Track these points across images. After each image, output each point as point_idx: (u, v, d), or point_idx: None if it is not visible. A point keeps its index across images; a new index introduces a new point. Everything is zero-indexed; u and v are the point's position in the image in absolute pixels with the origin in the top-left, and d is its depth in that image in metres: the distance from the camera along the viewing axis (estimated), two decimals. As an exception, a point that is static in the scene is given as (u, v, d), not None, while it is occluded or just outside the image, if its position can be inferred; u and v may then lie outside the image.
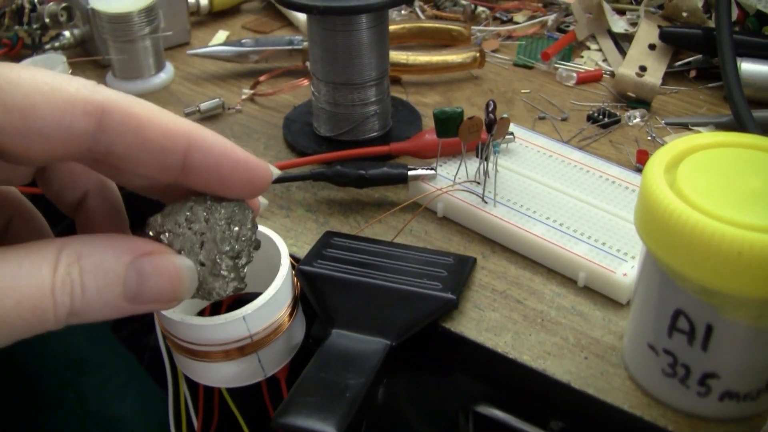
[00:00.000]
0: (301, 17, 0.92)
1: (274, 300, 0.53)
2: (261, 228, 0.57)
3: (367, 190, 0.66)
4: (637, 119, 0.76)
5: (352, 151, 0.67)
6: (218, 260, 0.39)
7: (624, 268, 0.56)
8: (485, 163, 0.61)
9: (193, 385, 0.94)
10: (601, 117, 0.76)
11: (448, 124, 0.61)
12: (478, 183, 0.62)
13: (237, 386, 0.57)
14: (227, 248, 0.39)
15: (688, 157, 0.46)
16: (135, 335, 1.30)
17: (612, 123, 0.75)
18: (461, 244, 0.61)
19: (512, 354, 0.53)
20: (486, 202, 0.61)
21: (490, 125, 0.59)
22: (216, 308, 0.62)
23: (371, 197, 0.65)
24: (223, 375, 0.56)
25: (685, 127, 0.75)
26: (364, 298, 0.55)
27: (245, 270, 0.41)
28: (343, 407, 0.49)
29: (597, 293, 0.57)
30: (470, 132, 0.60)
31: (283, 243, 0.56)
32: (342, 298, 0.55)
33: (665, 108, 0.78)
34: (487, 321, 0.55)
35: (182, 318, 0.53)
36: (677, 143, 0.47)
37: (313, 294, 0.56)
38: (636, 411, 0.49)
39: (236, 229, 0.40)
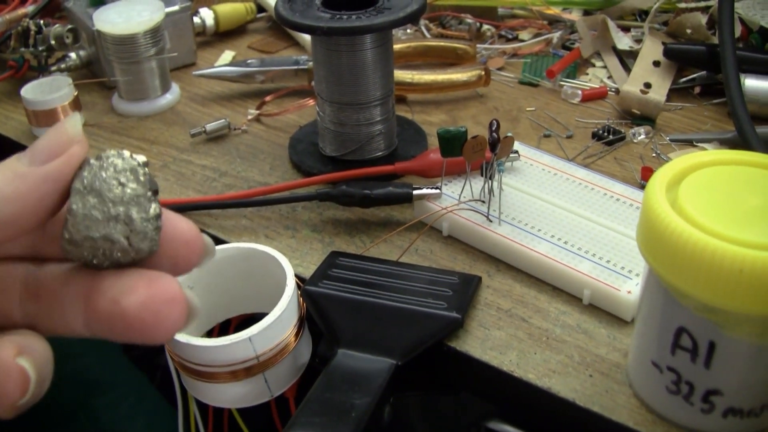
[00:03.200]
0: (307, 37, 0.93)
1: (279, 320, 0.54)
2: (267, 249, 0.57)
3: (373, 210, 0.66)
4: (642, 136, 0.76)
5: (358, 170, 0.67)
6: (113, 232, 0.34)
7: (628, 286, 0.56)
8: (490, 181, 0.62)
9: (203, 404, 0.94)
10: (606, 134, 0.76)
11: (452, 143, 0.61)
12: (483, 202, 0.62)
13: (244, 407, 0.57)
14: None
15: (689, 175, 0.46)
16: (146, 355, 1.30)
17: (617, 140, 0.76)
18: (466, 262, 0.61)
19: (517, 372, 0.53)
20: (491, 221, 0.62)
21: (494, 144, 0.59)
22: (223, 329, 0.63)
23: (377, 217, 0.65)
24: (230, 396, 0.56)
25: (689, 143, 0.76)
26: (370, 318, 0.55)
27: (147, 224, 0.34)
28: (349, 427, 0.49)
29: (602, 311, 0.57)
30: (474, 151, 0.61)
31: (288, 263, 0.57)
32: (347, 318, 0.56)
33: (670, 125, 0.78)
34: (492, 339, 0.55)
35: (188, 339, 0.53)
36: (679, 161, 0.47)
37: (319, 314, 0.56)
38: (641, 428, 0.49)
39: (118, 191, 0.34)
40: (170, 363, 0.89)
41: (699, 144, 0.75)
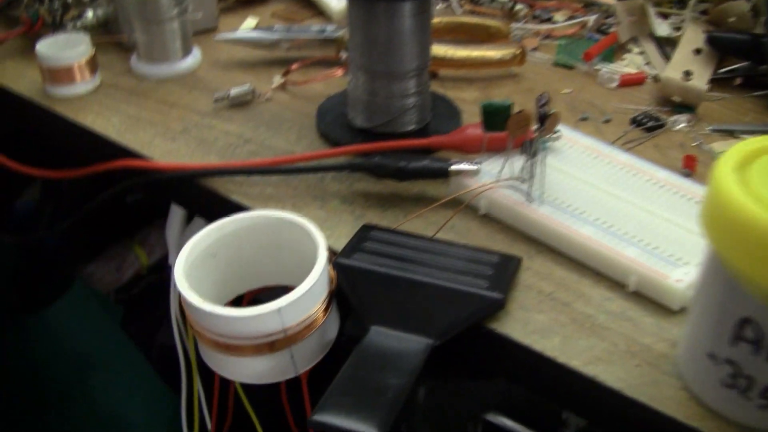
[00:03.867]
0: (335, 6, 0.89)
1: (310, 293, 0.51)
2: (295, 217, 0.54)
3: (406, 184, 0.63)
4: (683, 124, 0.73)
5: (390, 142, 0.64)
6: None
7: (677, 274, 0.53)
8: (532, 159, 0.58)
9: (207, 383, 0.91)
10: (645, 121, 0.73)
11: (496, 117, 0.58)
12: (523, 180, 0.59)
13: (267, 383, 0.54)
14: None
15: (761, 158, 0.43)
16: (143, 331, 1.27)
17: (656, 127, 0.73)
18: (504, 243, 0.58)
19: (561, 358, 0.50)
20: (532, 201, 0.59)
21: (543, 119, 0.56)
22: (248, 301, 0.59)
23: (409, 192, 0.62)
24: (253, 370, 0.53)
25: (731, 134, 0.73)
26: (405, 295, 0.52)
27: None
28: (385, 408, 0.46)
29: (648, 299, 0.54)
30: (519, 126, 0.58)
31: (320, 234, 0.53)
32: (381, 294, 0.52)
33: (710, 115, 0.75)
34: (534, 323, 0.52)
35: (213, 309, 0.50)
36: (747, 143, 0.44)
37: (351, 289, 0.53)
38: (691, 422, 0.46)
39: None
40: (176, 336, 0.86)
41: (742, 135, 0.72)
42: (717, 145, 0.70)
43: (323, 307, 0.53)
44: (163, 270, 1.37)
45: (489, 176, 0.61)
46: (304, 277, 0.51)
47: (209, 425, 0.91)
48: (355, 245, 0.55)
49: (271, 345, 0.51)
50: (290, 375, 0.54)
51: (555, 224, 0.57)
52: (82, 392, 1.09)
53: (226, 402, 0.87)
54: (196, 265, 0.54)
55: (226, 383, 0.83)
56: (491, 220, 0.60)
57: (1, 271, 1.18)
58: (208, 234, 0.55)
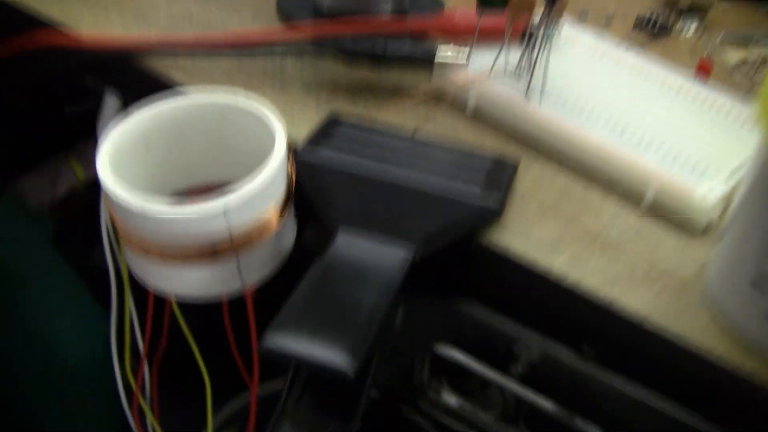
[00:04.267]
0: None
1: (263, 190, 0.41)
2: (246, 100, 0.44)
3: (380, 72, 0.53)
4: (692, 31, 0.64)
5: (363, 24, 0.54)
6: None
7: (703, 188, 0.44)
8: (534, 49, 0.49)
9: (140, 300, 0.81)
10: (650, 24, 0.63)
11: (496, -7, 0.48)
12: (522, 74, 0.50)
13: (207, 298, 0.44)
14: None
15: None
16: (77, 251, 1.17)
17: (663, 32, 0.63)
18: (496, 146, 0.49)
19: (570, 278, 0.41)
20: (530, 98, 0.49)
21: (552, 0, 0.46)
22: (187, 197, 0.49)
23: (385, 81, 0.52)
24: (191, 283, 0.43)
25: (745, 42, 0.64)
26: (382, 200, 0.43)
27: None
28: (357, 331, 0.36)
29: (667, 216, 0.45)
30: (521, 7, 0.48)
31: (277, 121, 0.43)
32: (352, 197, 0.43)
33: (721, 21, 0.66)
34: (536, 238, 0.43)
35: (143, 207, 0.40)
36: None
37: (315, 190, 0.43)
38: (727, 359, 0.38)
39: None
40: (105, 244, 0.76)
41: (756, 44, 0.63)
42: (731, 54, 0.62)
43: (278, 209, 0.43)
44: (98, 188, 1.26)
45: (481, 68, 0.51)
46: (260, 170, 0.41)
47: (141, 349, 0.82)
48: (321, 138, 0.46)
49: (213, 252, 0.42)
50: (235, 288, 0.44)
51: (558, 124, 0.48)
52: (9, 310, 1.00)
53: (161, 323, 0.77)
54: (125, 158, 0.44)
55: (161, 301, 0.74)
56: (481, 118, 0.50)
57: None
58: (141, 120, 0.45)
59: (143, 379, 0.78)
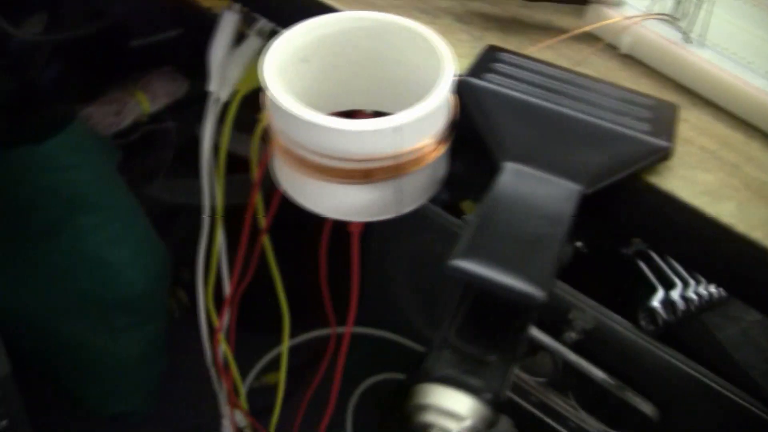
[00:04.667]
0: None
1: (432, 115, 0.40)
2: (413, 24, 0.43)
3: (528, 10, 0.52)
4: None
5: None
6: None
7: None
8: (695, -8, 0.48)
9: (232, 232, 0.81)
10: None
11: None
12: (681, 17, 0.48)
13: (362, 220, 0.43)
14: None
15: None
16: (136, 181, 1.17)
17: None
18: (651, 90, 0.48)
19: (740, 227, 0.40)
20: (690, 41, 0.48)
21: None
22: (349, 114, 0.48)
23: (533, 18, 0.51)
24: (349, 203, 0.42)
25: None
26: (550, 130, 0.42)
27: None
28: (543, 261, 0.35)
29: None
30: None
31: (444, 45, 0.42)
32: (520, 126, 0.42)
33: None
34: (702, 184, 0.42)
35: (316, 118, 0.39)
36: None
37: (483, 116, 0.42)
38: None
39: None
40: (206, 177, 0.75)
41: None
42: None
43: (441, 136, 0.43)
44: (163, 120, 1.27)
45: (636, 8, 0.50)
46: (410, 103, 0.40)
47: (226, 285, 0.82)
48: (482, 69, 0.45)
49: (378, 171, 0.41)
50: (391, 214, 0.44)
51: (718, 72, 0.47)
52: (71, 231, 1.01)
53: (248, 260, 0.77)
54: (284, 69, 0.43)
55: (254, 236, 0.73)
56: (635, 61, 0.49)
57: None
58: (304, 32, 0.44)
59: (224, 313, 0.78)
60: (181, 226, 1.31)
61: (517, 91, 0.42)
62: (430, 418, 0.36)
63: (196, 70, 1.36)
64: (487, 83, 0.43)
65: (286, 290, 0.81)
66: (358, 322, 0.66)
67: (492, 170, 0.42)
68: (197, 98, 1.33)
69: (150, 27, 1.31)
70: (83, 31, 1.10)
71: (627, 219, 0.44)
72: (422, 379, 0.37)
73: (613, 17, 0.49)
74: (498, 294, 0.35)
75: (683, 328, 0.95)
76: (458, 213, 1.09)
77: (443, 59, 0.42)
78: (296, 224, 0.75)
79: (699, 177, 0.43)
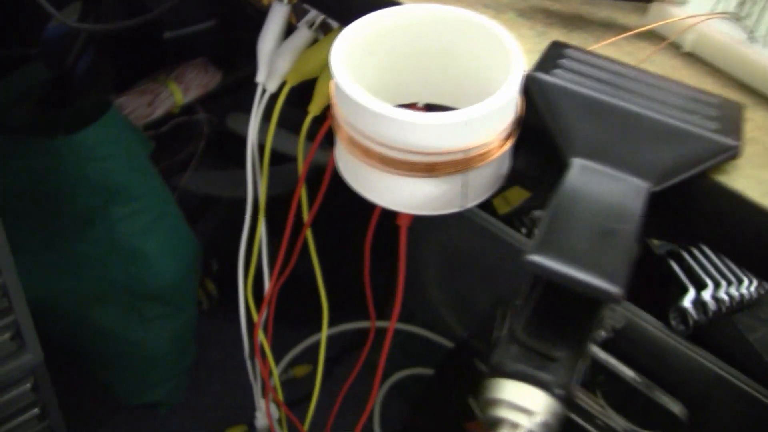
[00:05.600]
0: None
1: (502, 109, 0.40)
2: (482, 19, 0.43)
3: (591, 7, 0.52)
4: None
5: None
6: None
7: None
8: (759, -9, 0.47)
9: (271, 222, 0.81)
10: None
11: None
12: (741, 18, 0.48)
13: (429, 214, 0.43)
14: None
15: None
16: (166, 172, 1.17)
17: None
18: (714, 88, 0.48)
19: (809, 229, 0.40)
20: (755, 40, 0.48)
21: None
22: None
23: (595, 16, 0.51)
24: (414, 196, 0.42)
25: None
26: (618, 127, 0.42)
27: None
28: (619, 258, 0.35)
29: None
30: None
31: (513, 40, 0.42)
32: (589, 122, 0.42)
33: None
34: (768, 183, 0.42)
35: (387, 110, 0.39)
36: None
37: (551, 111, 0.42)
38: None
39: None
40: (249, 168, 0.75)
41: None
42: None
43: (508, 132, 0.43)
44: (195, 111, 1.27)
45: (700, 7, 0.49)
46: (472, 97, 0.40)
47: (266, 277, 0.82)
48: (549, 65, 0.44)
49: (445, 165, 0.41)
50: (455, 208, 0.44)
51: (783, 72, 0.46)
52: (105, 221, 1.01)
53: (290, 252, 0.77)
54: (350, 61, 0.43)
55: (296, 230, 0.73)
56: (698, 59, 0.49)
57: (30, 93, 1.09)
58: (370, 24, 0.44)
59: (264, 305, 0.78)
60: (210, 218, 1.32)
61: (585, 87, 0.42)
62: (501, 412, 0.36)
63: (229, 62, 1.36)
64: (556, 79, 0.42)
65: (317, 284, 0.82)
66: (388, 317, 0.66)
67: (558, 167, 0.42)
68: (229, 90, 1.34)
69: (184, 18, 1.31)
70: (118, 22, 1.10)
71: (693, 218, 0.44)
72: (493, 374, 0.37)
73: (676, 16, 0.49)
74: (574, 290, 0.35)
75: (714, 329, 0.94)
76: (485, 207, 1.09)
77: (512, 54, 0.42)
78: (326, 219, 0.75)
79: (766, 176, 0.42)
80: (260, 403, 0.88)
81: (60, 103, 1.14)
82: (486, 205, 1.12)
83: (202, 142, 1.29)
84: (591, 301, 0.38)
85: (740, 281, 0.96)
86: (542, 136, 0.43)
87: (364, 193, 0.44)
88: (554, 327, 0.39)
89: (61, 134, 0.98)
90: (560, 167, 0.42)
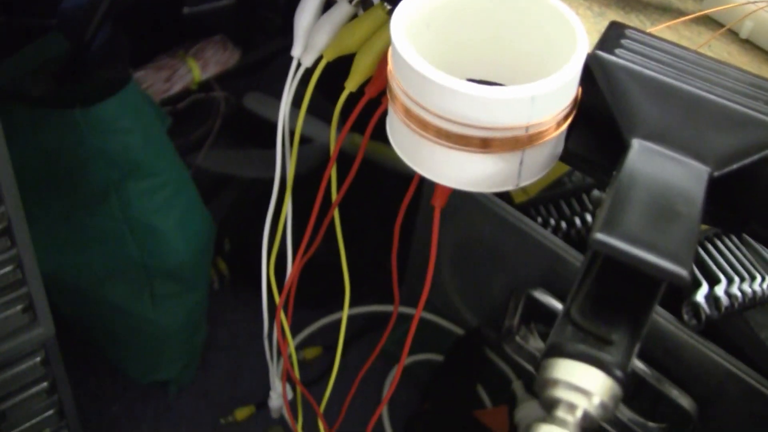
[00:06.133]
0: None
1: (566, 87, 0.39)
2: (550, -1, 0.42)
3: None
4: None
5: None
6: None
7: None
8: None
9: (301, 203, 0.80)
10: None
11: None
12: (800, 5, 0.47)
13: (483, 191, 0.42)
14: None
15: None
16: (181, 149, 1.17)
17: None
18: (771, 76, 0.47)
19: None
20: (813, 30, 0.47)
21: None
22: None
23: (653, 1, 0.50)
24: (470, 172, 0.42)
25: None
26: (682, 109, 0.41)
27: None
28: (685, 240, 0.35)
29: None
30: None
31: (577, 18, 0.41)
32: (651, 103, 0.41)
33: None
34: (830, 172, 0.41)
35: (450, 82, 0.38)
36: None
37: (613, 91, 0.41)
38: None
39: None
40: (279, 146, 0.74)
41: None
42: None
43: (567, 111, 0.42)
44: (212, 89, 1.26)
45: (759, -6, 0.49)
46: (530, 77, 0.40)
47: (290, 258, 0.81)
48: (609, 45, 0.44)
49: (504, 141, 0.40)
50: (510, 186, 0.43)
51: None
52: (120, 196, 1.00)
53: (316, 230, 0.77)
54: (408, 34, 0.42)
55: (324, 209, 0.73)
56: (756, 47, 0.48)
57: (48, 65, 1.08)
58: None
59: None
60: (224, 198, 1.31)
61: (648, 68, 0.42)
62: (558, 393, 0.36)
63: (247, 40, 1.35)
64: (619, 59, 0.42)
65: (333, 267, 0.81)
66: (402, 301, 0.65)
67: (613, 149, 0.41)
68: (248, 69, 1.33)
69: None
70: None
71: (750, 204, 0.43)
72: (551, 354, 0.36)
73: (734, 2, 0.48)
74: (640, 270, 0.34)
75: (726, 325, 0.94)
76: (506, 198, 1.08)
77: (576, 32, 0.41)
78: (343, 202, 0.74)
79: (827, 166, 0.42)
80: (275, 384, 0.87)
81: (78, 75, 1.13)
82: (503, 194, 1.12)
83: (219, 120, 1.28)
84: (649, 284, 0.37)
85: (753, 278, 0.96)
86: (599, 117, 0.42)
87: (419, 169, 0.43)
88: (611, 309, 0.39)
89: (79, 107, 0.97)
90: (617, 149, 0.41)
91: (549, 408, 0.36)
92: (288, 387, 0.88)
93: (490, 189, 0.42)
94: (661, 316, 0.95)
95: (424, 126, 0.40)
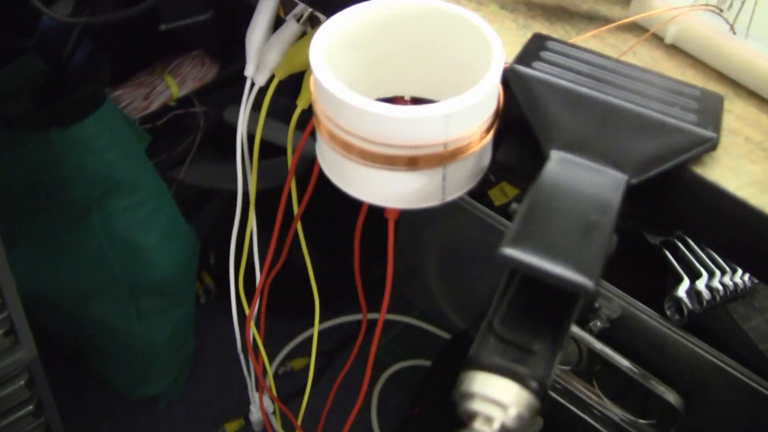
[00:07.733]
0: None
1: (482, 102, 0.40)
2: (463, 11, 0.43)
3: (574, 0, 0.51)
4: None
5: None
6: None
7: None
8: (742, -18, 0.47)
9: (265, 214, 0.81)
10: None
11: None
12: (723, 10, 0.48)
13: (409, 208, 0.43)
14: None
15: None
16: (162, 165, 1.18)
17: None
18: (696, 80, 0.48)
19: (786, 221, 0.40)
20: (735, 33, 0.47)
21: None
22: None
23: (579, 8, 0.51)
24: (393, 189, 0.43)
25: None
26: (598, 118, 0.42)
27: None
28: (593, 251, 0.35)
29: None
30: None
31: (493, 32, 0.42)
32: (568, 114, 0.42)
33: None
34: (748, 175, 0.42)
35: (365, 104, 0.39)
36: None
37: (531, 103, 0.42)
38: None
39: None
40: (239, 161, 0.76)
41: None
42: None
43: (487, 125, 0.43)
44: (191, 104, 1.27)
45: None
46: (455, 90, 0.40)
47: (257, 270, 0.82)
48: (529, 57, 0.44)
49: (424, 159, 0.41)
50: (435, 202, 0.44)
51: (764, 63, 0.47)
52: (101, 214, 1.01)
53: (280, 247, 0.78)
54: (331, 55, 0.43)
55: (286, 224, 0.74)
56: (680, 51, 0.49)
57: (26, 86, 1.09)
58: (352, 17, 0.44)
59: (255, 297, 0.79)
60: (208, 212, 1.32)
61: (565, 79, 0.42)
62: (475, 405, 0.36)
63: (225, 54, 1.36)
64: (536, 71, 0.43)
65: (319, 277, 0.82)
66: (388, 309, 0.66)
67: (538, 159, 0.42)
68: (226, 83, 1.34)
69: (180, 11, 1.31)
70: (112, 15, 1.10)
71: (672, 209, 0.44)
72: (468, 367, 0.37)
73: (659, 7, 0.49)
74: (548, 283, 0.35)
75: (709, 318, 0.95)
76: (482, 199, 1.09)
77: (493, 47, 0.42)
78: (322, 212, 0.75)
79: (745, 168, 0.42)
80: (254, 397, 0.88)
81: (56, 95, 1.14)
82: (483, 197, 1.13)
83: (199, 135, 1.29)
84: (568, 294, 0.38)
85: (734, 271, 0.97)
86: (523, 128, 0.43)
87: (344, 187, 0.44)
88: (532, 319, 0.39)
89: (56, 127, 0.98)
90: (540, 160, 0.42)
91: (467, 420, 0.37)
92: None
93: (416, 205, 0.43)
94: (643, 312, 0.95)
95: (345, 146, 0.41)
